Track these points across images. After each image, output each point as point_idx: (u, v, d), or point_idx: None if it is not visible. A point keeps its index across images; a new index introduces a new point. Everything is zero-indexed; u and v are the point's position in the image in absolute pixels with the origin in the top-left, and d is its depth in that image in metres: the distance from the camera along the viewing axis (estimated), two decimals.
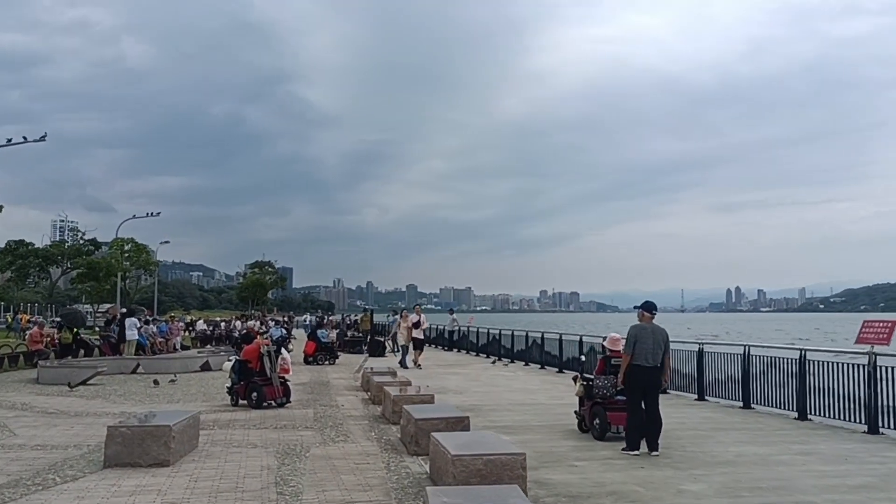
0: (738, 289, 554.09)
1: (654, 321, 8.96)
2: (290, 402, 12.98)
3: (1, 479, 7.15)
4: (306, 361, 23.26)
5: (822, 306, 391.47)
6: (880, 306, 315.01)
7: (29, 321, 39.10)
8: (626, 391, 8.85)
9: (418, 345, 22.51)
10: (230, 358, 13.23)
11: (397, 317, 32.55)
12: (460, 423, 8.67)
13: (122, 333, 23.38)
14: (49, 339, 22.20)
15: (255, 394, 12.65)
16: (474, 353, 29.13)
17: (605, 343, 10.18)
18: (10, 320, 51.43)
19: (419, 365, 21.81)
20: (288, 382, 13.19)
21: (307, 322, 49.57)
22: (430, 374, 19.59)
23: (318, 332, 24.76)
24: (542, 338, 22.99)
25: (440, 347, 33.77)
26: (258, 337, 13.20)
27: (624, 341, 10.00)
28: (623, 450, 8.74)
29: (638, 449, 8.63)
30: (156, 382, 16.38)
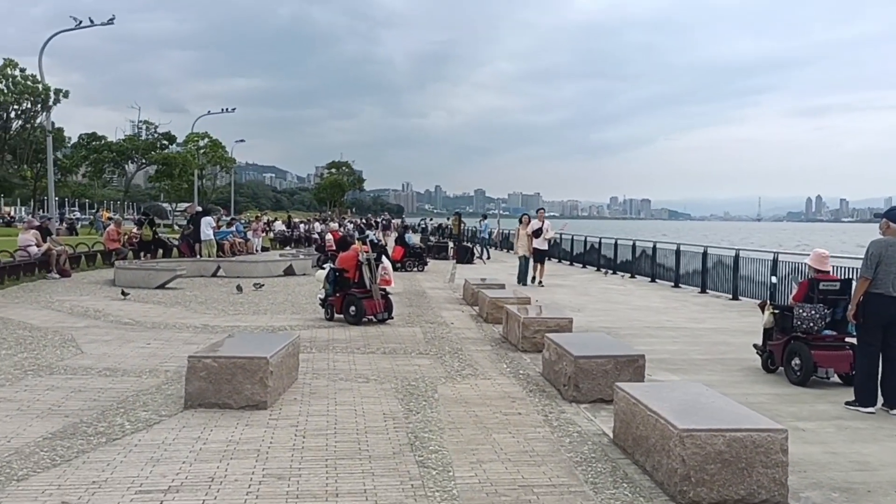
0: (818, 197, 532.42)
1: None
2: (392, 317, 11.23)
3: (55, 423, 5.53)
4: (394, 268, 21.60)
5: None
6: None
7: (109, 218, 38.81)
8: (860, 327, 6.61)
9: (540, 257, 18.27)
10: (323, 266, 11.48)
11: (486, 222, 30.60)
12: (634, 364, 6.65)
13: (196, 233, 22.15)
14: (127, 236, 21.05)
15: (353, 308, 10.92)
16: (568, 263, 27.04)
17: (809, 261, 7.89)
18: (93, 218, 51.81)
19: (541, 282, 17.94)
20: (390, 295, 11.40)
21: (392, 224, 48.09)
22: (531, 287, 17.63)
23: (406, 236, 23.02)
24: (654, 248, 20.65)
25: None
26: (356, 243, 11.36)
27: (820, 259, 7.73)
28: (849, 403, 6.60)
29: (874, 405, 6.47)
30: (239, 289, 14.92)
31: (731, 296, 16.11)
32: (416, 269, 21.87)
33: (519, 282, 17.86)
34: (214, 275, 18.59)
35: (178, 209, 54.80)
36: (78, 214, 73.92)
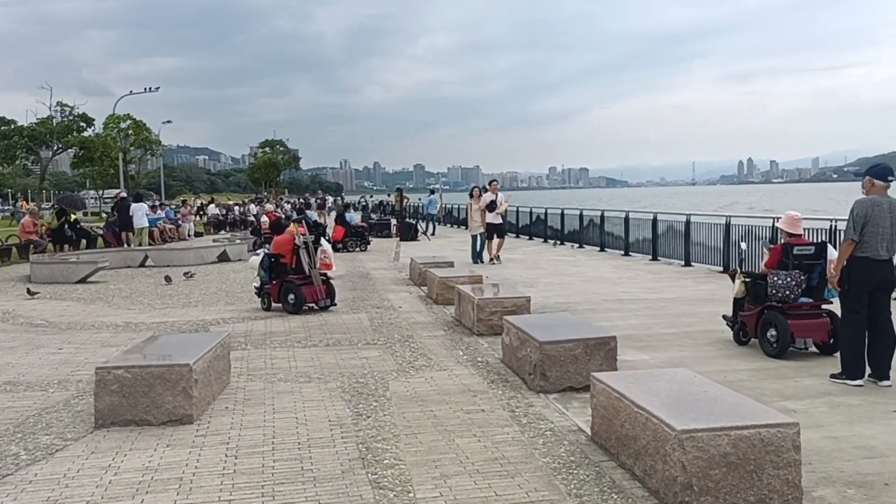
0: (749, 160, 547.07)
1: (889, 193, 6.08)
2: (335, 303, 10.42)
3: None
4: (334, 248, 20.73)
5: (835, 176, 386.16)
6: None
7: (28, 209, 36.56)
8: (844, 294, 6.12)
9: (496, 232, 16.69)
10: (257, 252, 10.58)
11: (433, 197, 29.80)
12: (605, 347, 6.03)
13: (123, 220, 20.83)
14: (45, 227, 19.57)
15: (291, 295, 10.07)
16: (514, 235, 26.53)
17: (781, 225, 7.39)
18: (12, 209, 49.02)
19: (497, 258, 16.45)
20: (331, 280, 10.58)
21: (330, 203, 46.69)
22: (469, 258, 16.99)
23: (346, 215, 22.10)
24: (602, 217, 20.23)
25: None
26: (292, 225, 10.47)
27: (793, 223, 7.27)
28: (834, 376, 6.13)
29: (862, 377, 6.01)
30: (167, 279, 13.87)
31: (683, 262, 15.81)
32: (358, 248, 21.03)
33: (474, 261, 16.62)
34: (142, 265, 17.41)
35: (106, 196, 52.30)
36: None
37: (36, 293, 12.11)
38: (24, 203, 38.42)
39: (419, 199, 32.56)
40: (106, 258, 15.46)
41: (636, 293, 11.76)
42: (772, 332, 7.04)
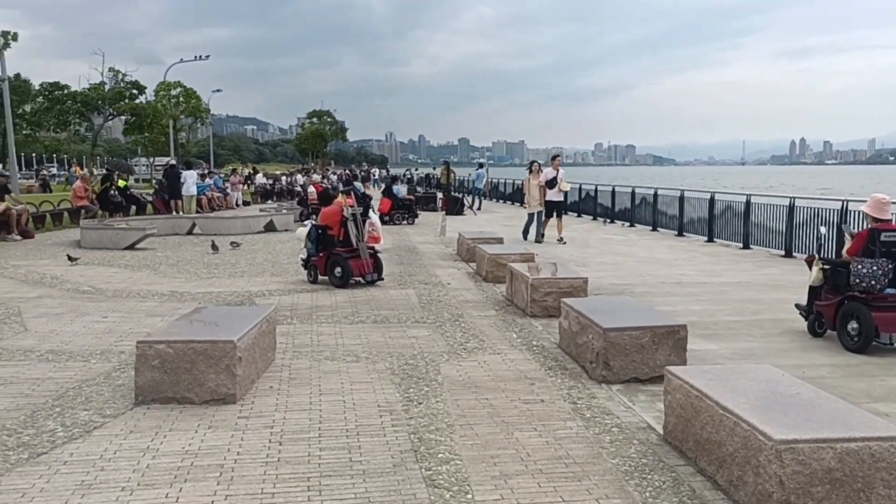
0: (802, 140, 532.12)
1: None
2: (382, 278, 10.13)
3: None
4: (381, 221, 20.55)
5: (892, 158, 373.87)
6: None
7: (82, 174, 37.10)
8: None
9: (555, 210, 15.92)
10: (305, 223, 10.33)
11: (481, 171, 29.29)
12: (674, 336, 5.60)
13: (173, 188, 20.87)
14: (95, 193, 19.67)
15: (338, 269, 9.80)
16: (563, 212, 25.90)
17: (866, 208, 6.81)
18: (68, 174, 49.91)
19: (561, 238, 15.56)
20: (379, 254, 10.28)
21: (376, 176, 46.49)
22: (518, 234, 16.55)
23: (394, 187, 21.78)
24: (656, 195, 19.56)
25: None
26: (340, 196, 10.17)
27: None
28: None
29: None
30: (214, 247, 13.74)
31: (741, 244, 15.15)
32: (405, 222, 20.71)
33: (524, 237, 15.86)
34: (190, 233, 17.38)
35: (157, 164, 52.88)
36: (55, 171, 71.75)
37: (76, 259, 12.03)
38: (78, 169, 38.95)
39: (468, 175, 31.90)
40: (154, 225, 15.43)
41: (695, 276, 11.22)
42: (853, 325, 6.51)
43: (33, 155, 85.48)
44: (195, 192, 22.36)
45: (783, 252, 13.86)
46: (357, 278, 9.89)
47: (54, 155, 79.27)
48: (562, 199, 16.03)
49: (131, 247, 14.15)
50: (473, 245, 12.12)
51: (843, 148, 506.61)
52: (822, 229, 8.83)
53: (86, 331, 7.18)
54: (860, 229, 7.42)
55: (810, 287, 7.13)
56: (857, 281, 6.48)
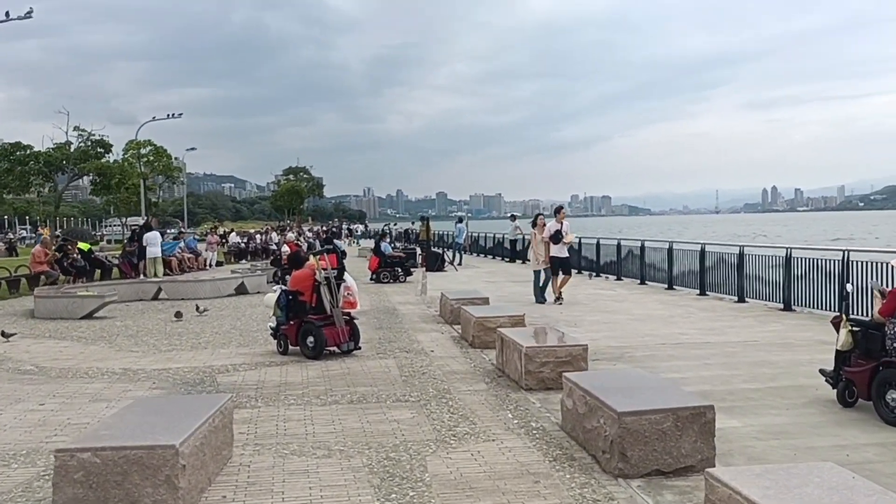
0: (773, 188, 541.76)
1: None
2: (359, 346, 9.26)
3: None
4: (373, 279, 20.06)
5: (861, 204, 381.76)
6: None
7: (51, 235, 35.89)
8: None
9: (561, 267, 14.49)
10: (273, 288, 9.46)
11: (461, 226, 28.62)
12: (700, 419, 4.79)
13: (141, 250, 19.93)
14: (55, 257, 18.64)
15: (311, 338, 8.93)
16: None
17: None
18: (35, 237, 48.61)
19: (559, 297, 14.32)
20: (355, 319, 9.43)
21: (358, 232, 45.63)
22: (503, 292, 15.79)
23: (381, 244, 20.97)
24: (643, 247, 18.95)
25: (502, 258, 30.02)
26: (311, 258, 9.35)
27: None
28: None
29: None
30: (178, 315, 12.81)
31: (735, 298, 14.50)
32: (394, 280, 19.94)
33: (537, 300, 14.40)
34: (155, 298, 16.41)
35: (131, 224, 51.75)
36: (25, 233, 70.26)
37: (11, 335, 10.80)
38: (46, 230, 37.78)
39: (453, 228, 31.19)
40: (115, 291, 14.46)
41: (695, 335, 10.47)
42: (892, 395, 5.75)
43: (5, 217, 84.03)
44: (158, 254, 21.27)
45: (782, 305, 13.20)
46: (332, 348, 9.02)
47: (26, 217, 77.89)
48: (566, 254, 14.63)
49: (89, 316, 13.16)
50: (458, 306, 11.32)
51: (813, 195, 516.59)
52: (849, 287, 8.15)
53: (15, 423, 6.21)
54: (891, 286, 6.73)
55: (837, 351, 6.39)
56: (894, 345, 5.75)
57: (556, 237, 14.37)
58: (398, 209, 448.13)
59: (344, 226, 50.71)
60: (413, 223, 47.38)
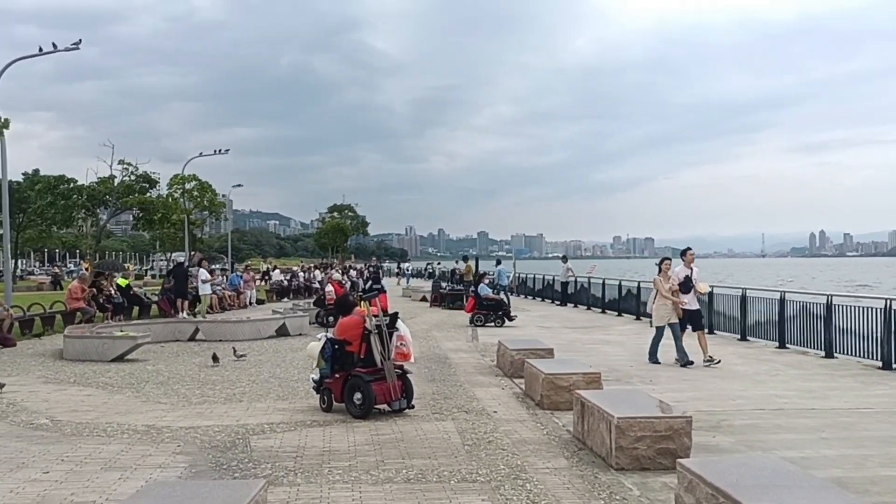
0: (822, 232, 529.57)
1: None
2: (412, 405, 8.14)
3: None
4: (472, 322, 19.00)
5: None
6: None
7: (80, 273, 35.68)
8: None
9: (690, 322, 12.21)
10: (318, 336, 8.44)
11: (500, 268, 27.05)
12: None
13: (178, 287, 19.23)
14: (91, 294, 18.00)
15: (358, 394, 7.85)
16: (599, 310, 23.89)
17: None
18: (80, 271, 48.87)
19: (710, 358, 11.67)
20: (409, 374, 8.32)
21: (408, 271, 44.53)
22: (561, 340, 14.51)
23: (481, 285, 19.70)
24: (711, 293, 17.51)
25: (553, 302, 28.72)
26: (361, 303, 8.31)
27: None
28: None
29: None
30: (215, 359, 11.88)
31: (822, 353, 13.03)
32: (491, 324, 18.72)
33: (651, 359, 12.07)
34: (192, 338, 15.55)
35: (173, 260, 51.74)
36: (73, 267, 71.13)
37: (1, 385, 9.48)
38: (89, 264, 37.67)
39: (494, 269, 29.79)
40: (149, 332, 13.63)
41: (794, 399, 9.11)
42: None
43: (56, 251, 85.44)
44: (209, 291, 20.67)
45: (881, 363, 11.73)
46: (381, 406, 7.92)
47: (77, 251, 79.01)
48: (697, 306, 12.40)
49: (120, 358, 12.31)
50: (520, 358, 10.16)
51: (863, 240, 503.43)
52: None
53: (9, 499, 5.21)
54: None
55: None
56: None
57: (687, 285, 12.08)
58: (439, 248, 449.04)
59: (393, 264, 49.82)
60: (456, 262, 46.07)
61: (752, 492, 3.94)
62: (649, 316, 12.80)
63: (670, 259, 12.65)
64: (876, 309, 12.10)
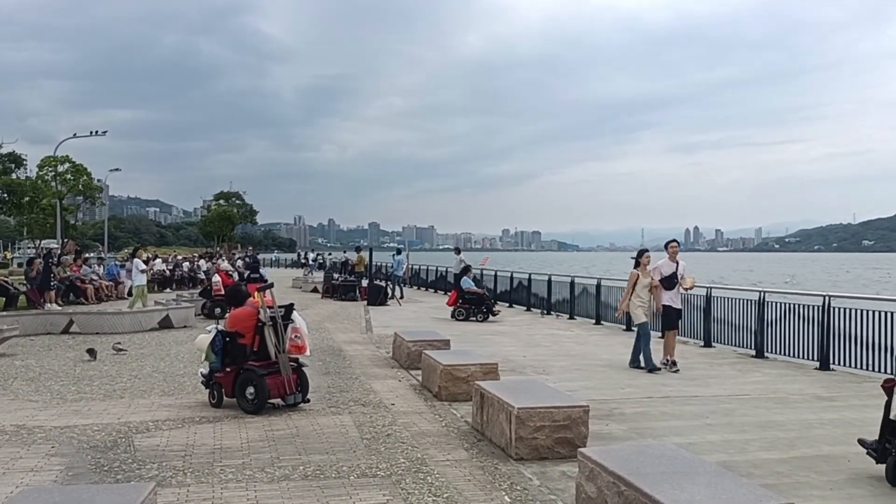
0: (696, 228, 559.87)
1: None
2: (307, 399, 7.91)
3: None
4: (453, 316, 18.20)
5: (777, 246, 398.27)
6: (833, 246, 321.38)
7: None
8: None
9: (672, 321, 11.02)
10: (207, 328, 8.04)
11: (400, 258, 27.22)
12: None
13: (45, 279, 18.07)
14: None
15: (251, 388, 7.54)
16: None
17: None
18: None
19: (673, 363, 10.77)
20: (304, 368, 8.07)
21: (313, 261, 42.52)
22: (455, 331, 14.59)
23: (463, 278, 18.90)
24: (599, 285, 18.10)
25: (445, 293, 28.83)
26: (255, 294, 7.97)
27: None
28: None
29: None
30: (91, 353, 11.15)
31: (702, 342, 13.72)
32: (473, 318, 17.97)
33: (647, 367, 10.68)
34: (66, 331, 14.56)
35: (46, 247, 48.43)
36: None
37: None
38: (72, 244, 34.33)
39: (390, 259, 29.54)
40: (17, 324, 12.63)
41: (679, 386, 9.53)
42: None
43: None
44: (143, 282, 19.16)
45: (754, 352, 12.47)
46: (275, 400, 7.65)
47: None
48: (680, 304, 11.28)
49: None
50: (417, 349, 10.11)
51: (733, 236, 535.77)
52: None
53: None
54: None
55: (888, 420, 5.46)
56: None
57: (671, 281, 10.94)
58: (330, 238, 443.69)
59: (311, 253, 47.53)
60: (344, 252, 45.23)
61: (653, 478, 4.02)
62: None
63: (648, 251, 11.40)
64: (750, 301, 12.83)
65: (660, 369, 10.68)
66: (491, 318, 18.20)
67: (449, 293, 28.00)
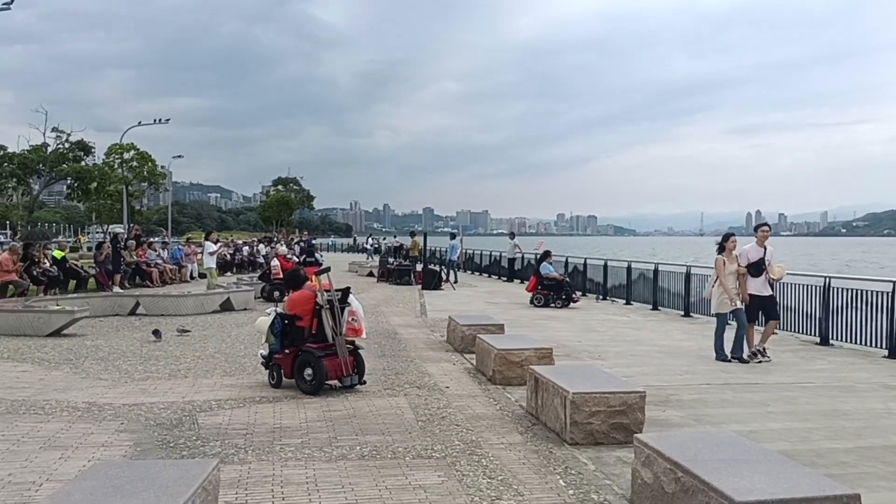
0: (758, 212, 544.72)
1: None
2: (364, 381, 8.03)
3: None
4: (532, 302, 17.88)
5: (844, 230, 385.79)
6: None
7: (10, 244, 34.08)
8: None
9: (763, 310, 10.54)
10: (267, 311, 8.22)
11: (454, 242, 27.24)
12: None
13: (115, 261, 18.68)
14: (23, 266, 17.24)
15: (309, 370, 7.70)
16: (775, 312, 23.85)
17: None
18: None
19: (763, 351, 10.21)
20: (360, 349, 8.19)
21: (371, 246, 42.97)
22: (509, 315, 14.53)
23: (543, 264, 18.28)
24: (656, 270, 17.85)
25: (500, 278, 28.84)
26: (313, 278, 8.12)
27: None
28: None
29: None
30: (156, 334, 11.53)
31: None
32: (552, 305, 17.59)
33: (719, 356, 10.25)
34: (133, 313, 15.08)
35: (113, 232, 50.07)
36: (3, 238, 68.31)
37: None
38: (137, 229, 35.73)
39: (444, 245, 29.61)
40: (87, 306, 13.12)
41: (739, 373, 9.36)
42: None
43: None
44: (212, 265, 20.12)
45: (818, 339, 12.13)
46: (332, 382, 7.79)
47: (7, 222, 75.77)
48: (770, 292, 10.56)
49: (56, 333, 11.84)
50: (471, 334, 10.14)
51: (796, 220, 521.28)
52: None
53: None
54: None
55: None
56: None
57: (758, 267, 10.27)
58: (385, 223, 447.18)
59: (370, 239, 48.09)
60: (395, 237, 45.38)
61: (711, 466, 3.96)
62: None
63: (735, 236, 10.64)
64: (816, 287, 12.47)
65: (727, 359, 10.13)
66: (571, 304, 17.73)
67: (503, 278, 28.19)
